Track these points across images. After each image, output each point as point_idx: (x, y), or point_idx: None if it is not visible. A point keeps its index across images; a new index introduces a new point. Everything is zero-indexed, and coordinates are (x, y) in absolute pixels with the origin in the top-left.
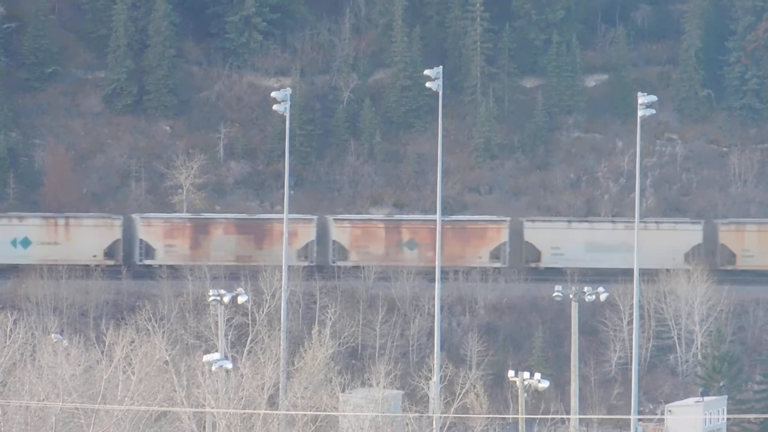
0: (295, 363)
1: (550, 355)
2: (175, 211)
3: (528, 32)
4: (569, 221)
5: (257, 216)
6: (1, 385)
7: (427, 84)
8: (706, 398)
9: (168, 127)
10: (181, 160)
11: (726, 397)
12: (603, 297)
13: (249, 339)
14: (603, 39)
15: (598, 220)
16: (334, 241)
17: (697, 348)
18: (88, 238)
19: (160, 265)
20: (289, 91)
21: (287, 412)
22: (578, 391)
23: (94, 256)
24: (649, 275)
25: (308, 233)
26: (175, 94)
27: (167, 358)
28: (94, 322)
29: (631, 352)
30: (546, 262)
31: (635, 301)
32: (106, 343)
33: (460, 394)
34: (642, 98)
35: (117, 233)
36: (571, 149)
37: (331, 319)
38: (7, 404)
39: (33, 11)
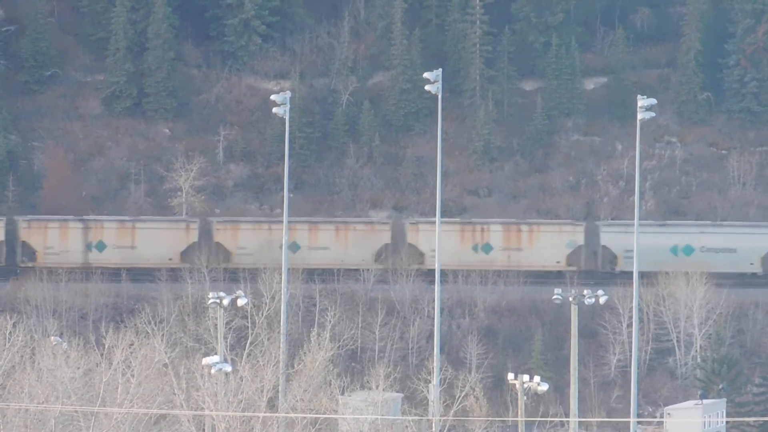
0: (295, 366)
1: (549, 357)
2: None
3: (527, 35)
4: None
5: None
6: (1, 388)
7: (427, 87)
8: (705, 401)
9: (167, 130)
10: (181, 163)
11: (725, 399)
12: (602, 300)
13: (248, 342)
14: (602, 42)
15: None
16: None
17: (696, 351)
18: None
19: None
20: (288, 94)
21: (287, 415)
22: (577, 393)
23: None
24: (648, 277)
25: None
26: (174, 97)
27: (166, 360)
28: (93, 325)
29: (631, 355)
30: None
31: (635, 304)
32: (106, 346)
33: (459, 396)
34: (641, 101)
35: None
36: (571, 152)
37: (330, 321)
38: (7, 407)
39: (32, 14)
